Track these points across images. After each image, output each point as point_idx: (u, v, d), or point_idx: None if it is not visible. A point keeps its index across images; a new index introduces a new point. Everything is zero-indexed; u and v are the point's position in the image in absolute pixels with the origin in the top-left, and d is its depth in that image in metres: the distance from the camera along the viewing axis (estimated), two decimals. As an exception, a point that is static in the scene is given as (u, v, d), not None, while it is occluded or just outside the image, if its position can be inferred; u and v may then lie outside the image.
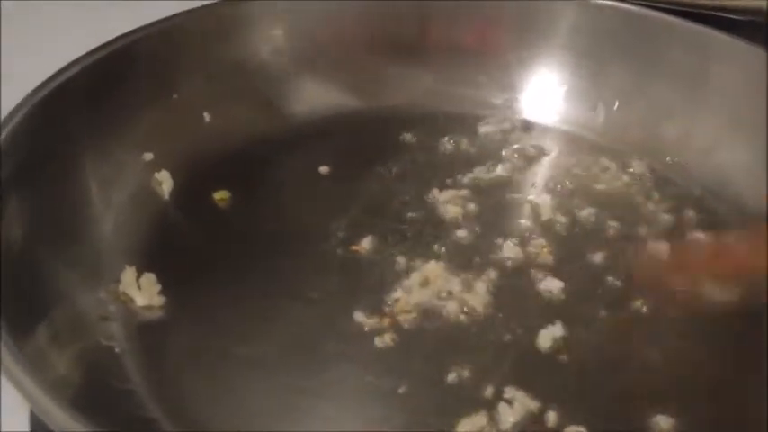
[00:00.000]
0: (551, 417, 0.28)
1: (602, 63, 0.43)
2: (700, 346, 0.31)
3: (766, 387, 0.29)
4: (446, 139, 0.43)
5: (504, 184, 0.41)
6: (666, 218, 0.38)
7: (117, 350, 0.29)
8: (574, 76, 0.44)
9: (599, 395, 0.29)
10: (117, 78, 0.37)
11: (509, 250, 0.35)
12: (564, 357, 0.30)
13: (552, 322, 0.31)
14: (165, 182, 0.38)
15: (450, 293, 0.32)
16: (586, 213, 0.38)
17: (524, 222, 0.38)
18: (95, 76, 0.36)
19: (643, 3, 0.42)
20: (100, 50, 0.37)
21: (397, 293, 0.32)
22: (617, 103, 0.43)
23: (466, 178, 0.41)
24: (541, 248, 0.36)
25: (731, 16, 0.41)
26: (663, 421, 0.27)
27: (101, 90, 0.36)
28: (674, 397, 0.28)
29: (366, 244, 0.35)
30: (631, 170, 0.41)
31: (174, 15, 0.39)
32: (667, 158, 0.41)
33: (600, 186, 0.40)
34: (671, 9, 0.42)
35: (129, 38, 0.37)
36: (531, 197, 0.40)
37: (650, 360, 0.30)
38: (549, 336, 0.30)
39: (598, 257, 0.35)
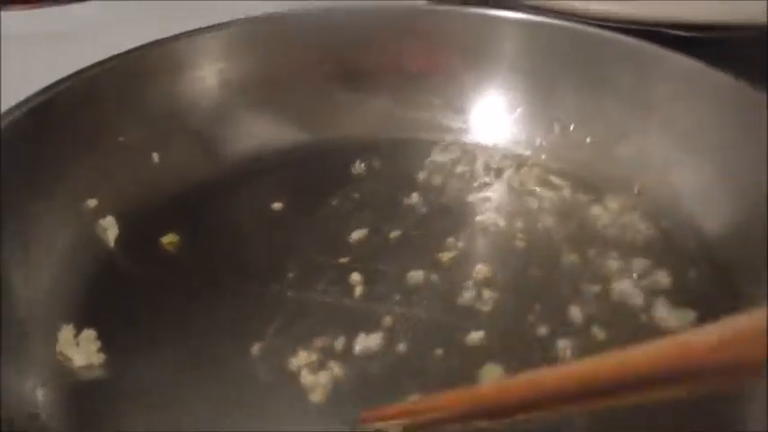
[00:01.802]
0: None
1: (555, 83, 0.43)
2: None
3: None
4: (402, 165, 0.43)
5: (463, 210, 0.40)
6: (621, 241, 0.37)
7: (43, 417, 0.27)
8: (528, 97, 0.44)
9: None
10: (56, 124, 0.36)
11: (468, 290, 0.34)
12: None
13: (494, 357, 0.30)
14: (110, 228, 0.37)
15: (399, 337, 0.31)
16: (543, 237, 0.38)
17: (485, 249, 0.37)
18: (32, 124, 0.35)
19: (592, 21, 0.42)
20: (38, 96, 0.36)
21: (346, 343, 0.31)
22: (573, 125, 0.43)
23: (423, 207, 0.40)
24: (495, 276, 0.35)
25: (681, 33, 0.41)
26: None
27: (39, 138, 0.35)
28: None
29: (320, 285, 0.34)
30: (589, 192, 0.40)
31: (111, 58, 0.38)
32: (624, 179, 0.40)
33: (556, 208, 0.40)
34: (622, 27, 0.41)
35: (66, 83, 0.36)
36: (490, 221, 0.39)
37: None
38: (489, 371, 0.30)
39: (555, 282, 0.35)
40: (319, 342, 0.31)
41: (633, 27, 0.42)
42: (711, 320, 0.31)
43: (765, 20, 0.39)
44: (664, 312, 0.32)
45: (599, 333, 0.32)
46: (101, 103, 0.38)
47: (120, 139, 0.39)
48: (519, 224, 0.39)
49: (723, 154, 0.35)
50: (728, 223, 0.34)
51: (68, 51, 0.41)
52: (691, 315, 0.32)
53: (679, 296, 0.33)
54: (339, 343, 0.31)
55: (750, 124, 0.34)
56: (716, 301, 0.33)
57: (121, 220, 0.37)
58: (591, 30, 0.41)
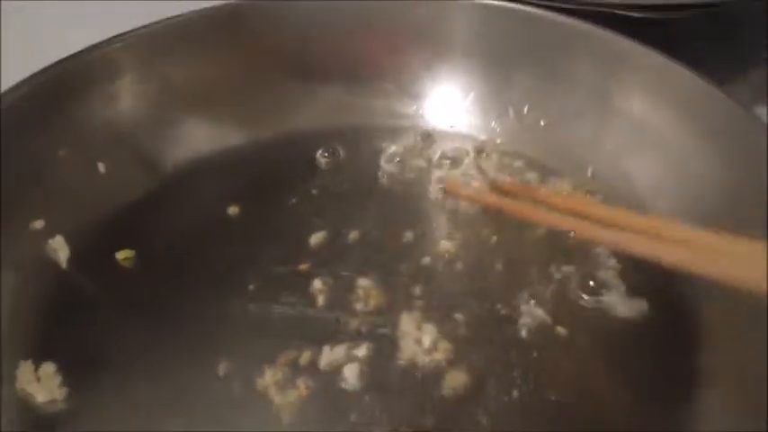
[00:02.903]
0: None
1: (509, 67, 0.42)
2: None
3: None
4: (358, 156, 0.42)
5: (421, 201, 0.40)
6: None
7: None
8: (482, 81, 0.43)
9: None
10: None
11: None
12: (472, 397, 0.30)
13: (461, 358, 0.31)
14: (60, 249, 0.36)
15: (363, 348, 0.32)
16: (502, 230, 0.38)
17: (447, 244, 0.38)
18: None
19: (546, 3, 0.41)
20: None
21: (311, 357, 0.31)
22: (527, 107, 0.42)
23: (381, 201, 0.40)
24: (462, 272, 0.35)
25: (634, 14, 0.40)
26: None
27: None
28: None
29: (282, 296, 0.34)
30: (543, 175, 0.40)
31: (43, 69, 0.36)
32: (577, 164, 0.40)
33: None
34: (575, 10, 0.40)
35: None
36: (449, 212, 0.39)
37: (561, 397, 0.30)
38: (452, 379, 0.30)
39: (517, 281, 0.35)
40: (284, 358, 0.31)
41: (586, 8, 0.41)
42: (663, 312, 0.33)
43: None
44: (618, 302, 0.33)
45: (561, 330, 0.33)
46: (36, 117, 0.36)
47: (61, 153, 0.37)
48: (476, 213, 0.39)
49: (675, 144, 0.36)
50: (678, 214, 0.35)
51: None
52: (644, 306, 0.33)
53: (632, 286, 0.34)
54: (304, 358, 0.31)
55: (705, 118, 0.34)
56: (666, 291, 0.34)
57: (72, 239, 0.36)
58: (545, 14, 0.40)
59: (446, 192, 0.40)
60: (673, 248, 0.28)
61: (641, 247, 0.29)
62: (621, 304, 0.33)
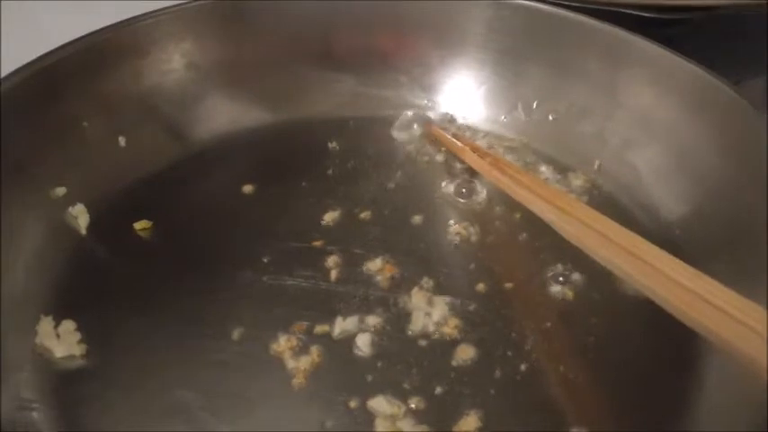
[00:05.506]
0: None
1: (521, 62, 0.44)
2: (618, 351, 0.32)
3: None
4: (370, 143, 0.43)
5: (430, 185, 0.41)
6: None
7: (34, 407, 0.28)
8: (493, 75, 0.44)
9: (517, 406, 0.30)
10: (18, 113, 0.35)
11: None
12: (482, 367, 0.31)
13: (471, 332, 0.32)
14: (80, 216, 0.36)
15: (376, 320, 0.33)
16: (509, 213, 0.39)
17: (456, 225, 0.39)
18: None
19: (561, 2, 0.42)
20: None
21: (324, 327, 0.32)
22: (536, 102, 0.44)
23: (392, 183, 0.41)
24: (471, 251, 0.36)
25: (643, 14, 0.42)
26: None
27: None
28: (590, 409, 0.30)
29: (296, 270, 0.35)
30: (550, 169, 0.41)
31: (71, 42, 0.37)
32: (585, 157, 0.41)
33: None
34: (586, 8, 0.42)
35: (26, 70, 0.35)
36: (455, 198, 0.40)
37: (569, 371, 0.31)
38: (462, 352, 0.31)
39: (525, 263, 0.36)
40: (298, 327, 0.32)
41: (597, 7, 0.43)
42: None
43: (723, 1, 0.41)
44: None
45: (573, 306, 0.34)
46: (63, 89, 0.37)
47: (85, 124, 0.38)
48: (483, 198, 0.40)
49: (682, 138, 0.37)
50: (684, 205, 0.36)
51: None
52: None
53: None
54: (318, 327, 0.32)
55: (711, 113, 0.36)
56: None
57: (92, 208, 0.37)
58: (556, 11, 0.41)
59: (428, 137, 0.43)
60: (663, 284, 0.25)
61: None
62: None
